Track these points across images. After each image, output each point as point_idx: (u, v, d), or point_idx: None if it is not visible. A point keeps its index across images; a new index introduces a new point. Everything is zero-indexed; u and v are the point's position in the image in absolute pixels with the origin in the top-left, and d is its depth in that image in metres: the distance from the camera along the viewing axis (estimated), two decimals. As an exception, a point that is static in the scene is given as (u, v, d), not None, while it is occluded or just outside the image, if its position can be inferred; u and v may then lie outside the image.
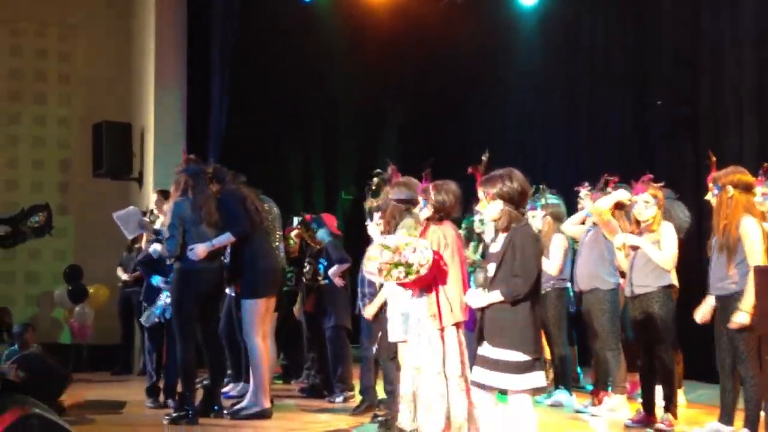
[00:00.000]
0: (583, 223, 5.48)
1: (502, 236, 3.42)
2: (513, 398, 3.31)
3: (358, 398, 5.55)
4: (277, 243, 5.63)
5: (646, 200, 4.67)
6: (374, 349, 4.68)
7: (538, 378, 3.25)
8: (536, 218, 5.71)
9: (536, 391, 3.28)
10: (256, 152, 8.97)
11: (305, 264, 6.38)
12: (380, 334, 4.50)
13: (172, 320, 5.13)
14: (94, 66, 9.36)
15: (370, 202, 5.05)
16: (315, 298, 6.13)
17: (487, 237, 5.48)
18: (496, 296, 3.29)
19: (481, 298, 3.36)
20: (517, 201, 3.38)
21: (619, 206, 5.07)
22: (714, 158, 4.37)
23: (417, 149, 8.74)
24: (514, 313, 3.25)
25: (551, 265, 5.52)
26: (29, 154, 9.32)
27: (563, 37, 8.70)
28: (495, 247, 3.44)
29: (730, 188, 4.19)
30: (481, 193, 3.46)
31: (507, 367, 3.22)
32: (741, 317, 4.05)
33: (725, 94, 6.81)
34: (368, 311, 4.83)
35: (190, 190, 4.98)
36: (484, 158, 3.65)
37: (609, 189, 5.23)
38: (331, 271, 5.90)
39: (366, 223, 4.93)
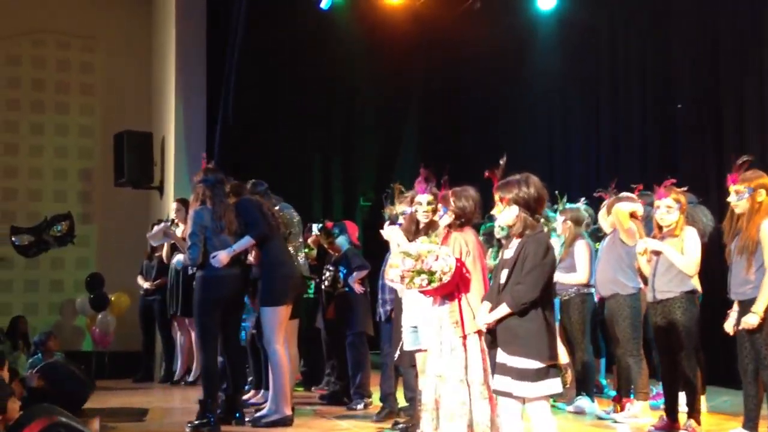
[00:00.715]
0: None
1: (515, 242, 3.41)
2: (530, 405, 3.29)
3: (377, 405, 5.55)
4: (302, 250, 5.68)
5: (668, 205, 4.62)
6: (396, 355, 4.67)
7: (554, 384, 3.24)
8: (557, 224, 5.70)
9: (554, 397, 3.27)
10: (275, 158, 9.01)
11: (324, 271, 6.40)
12: (401, 341, 4.50)
13: (194, 327, 5.17)
14: (115, 76, 9.49)
15: (390, 209, 5.06)
16: (335, 306, 6.14)
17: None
18: (503, 310, 3.28)
19: (490, 316, 3.34)
20: (533, 207, 3.36)
21: (632, 215, 5.06)
22: (738, 161, 4.32)
23: (436, 154, 8.73)
24: (526, 320, 3.24)
25: (580, 275, 5.48)
26: (52, 164, 9.46)
27: (582, 40, 8.65)
28: (508, 253, 3.42)
29: (762, 192, 4.16)
30: (497, 197, 3.45)
31: (522, 374, 3.21)
32: (752, 319, 4.01)
33: (747, 96, 6.75)
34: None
35: (208, 200, 5.03)
36: (501, 162, 3.64)
37: (634, 195, 5.21)
38: (351, 278, 5.91)
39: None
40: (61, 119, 9.52)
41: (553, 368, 3.24)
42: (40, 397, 4.79)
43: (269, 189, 5.65)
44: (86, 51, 9.59)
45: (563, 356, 5.93)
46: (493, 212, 3.57)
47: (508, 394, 3.32)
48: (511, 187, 3.39)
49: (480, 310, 3.51)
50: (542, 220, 5.74)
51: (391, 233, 4.68)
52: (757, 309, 3.99)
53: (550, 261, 3.29)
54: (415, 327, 4.14)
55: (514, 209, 3.37)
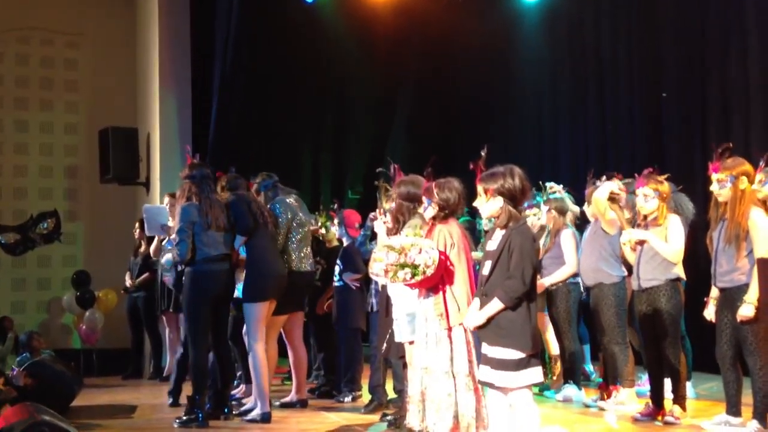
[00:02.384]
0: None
1: (499, 234, 3.41)
2: (512, 395, 3.32)
3: (366, 398, 5.56)
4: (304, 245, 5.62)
5: (645, 194, 4.66)
6: (384, 348, 4.67)
7: (535, 374, 3.26)
8: (540, 214, 5.72)
9: (538, 386, 3.30)
10: (264, 152, 8.99)
11: (315, 265, 6.38)
12: (390, 333, 4.50)
13: (184, 323, 5.16)
14: (100, 73, 9.42)
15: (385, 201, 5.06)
16: (327, 300, 6.13)
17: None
18: (495, 305, 3.28)
19: (481, 314, 3.34)
20: (517, 198, 3.38)
21: (612, 199, 5.05)
22: (720, 150, 4.34)
23: (425, 147, 8.73)
24: (510, 312, 3.25)
25: (569, 266, 5.51)
26: (37, 162, 9.38)
27: (568, 31, 8.67)
28: (492, 245, 3.43)
29: (744, 179, 4.18)
30: (480, 188, 3.46)
31: (504, 364, 3.24)
32: (746, 309, 4.04)
33: (732, 85, 6.78)
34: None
35: (194, 196, 5.02)
36: (483, 153, 3.65)
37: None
38: (346, 275, 5.82)
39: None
40: (46, 116, 9.45)
41: (534, 358, 3.26)
42: (28, 396, 4.78)
43: (278, 182, 5.65)
44: (70, 47, 9.52)
45: (554, 347, 5.97)
46: (475, 203, 3.57)
47: (491, 384, 3.34)
48: (496, 178, 3.39)
49: (468, 311, 3.52)
50: (536, 210, 5.81)
51: (377, 227, 4.70)
52: (751, 298, 4.00)
53: (536, 252, 3.31)
54: (412, 315, 4.10)
55: (499, 200, 3.38)
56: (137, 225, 7.81)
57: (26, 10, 9.20)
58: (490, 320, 3.33)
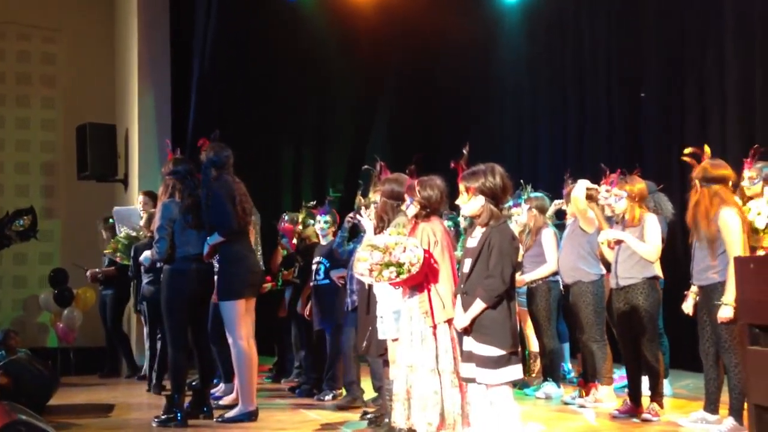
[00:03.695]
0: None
1: (479, 231, 3.42)
2: (492, 391, 3.33)
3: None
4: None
5: (616, 194, 4.74)
6: (364, 345, 4.66)
7: (515, 371, 3.28)
8: (521, 213, 5.76)
9: (517, 383, 3.32)
10: (245, 149, 8.91)
11: (294, 261, 6.36)
12: (370, 330, 4.50)
13: (163, 322, 5.11)
14: (77, 68, 9.32)
15: (359, 199, 5.06)
16: (308, 298, 6.09)
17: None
18: (478, 306, 3.30)
19: (466, 316, 3.35)
20: (498, 197, 3.39)
21: (590, 197, 5.09)
22: (694, 154, 4.37)
23: (407, 145, 8.73)
24: (491, 310, 3.27)
25: (550, 264, 5.55)
26: (13, 158, 9.26)
27: (548, 30, 8.72)
28: (471, 242, 3.44)
29: (714, 183, 4.21)
30: (461, 186, 3.46)
31: (484, 361, 3.25)
32: (725, 311, 4.07)
33: (709, 85, 6.86)
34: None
35: (177, 193, 4.95)
36: (464, 151, 3.66)
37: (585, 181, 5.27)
38: (335, 272, 5.70)
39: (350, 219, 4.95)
40: (23, 112, 9.32)
41: (514, 355, 3.28)
42: (4, 395, 4.71)
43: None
44: (48, 42, 9.40)
45: (534, 344, 6.01)
46: (457, 201, 3.58)
47: (472, 380, 3.36)
48: (477, 176, 3.41)
49: (455, 313, 3.53)
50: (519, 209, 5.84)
51: (364, 223, 4.69)
52: (728, 300, 4.04)
53: (515, 251, 3.33)
54: (398, 312, 4.09)
55: (480, 199, 3.39)
56: (101, 222, 7.77)
57: (2, 4, 9.07)
58: (474, 320, 3.35)
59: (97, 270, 7.83)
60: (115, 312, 7.78)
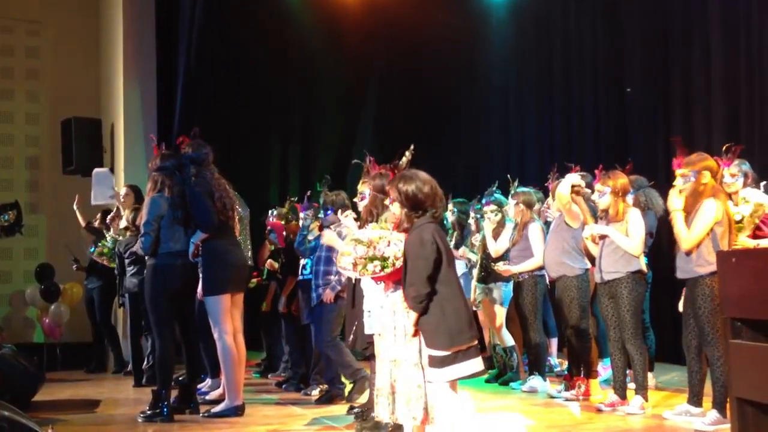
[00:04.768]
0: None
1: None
2: (432, 387, 3.36)
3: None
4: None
5: (599, 189, 4.78)
6: (350, 339, 4.66)
7: (461, 369, 3.26)
8: (498, 211, 5.80)
9: (466, 379, 3.31)
10: (232, 144, 8.90)
11: (278, 258, 6.35)
12: (357, 324, 4.50)
13: (149, 317, 5.09)
14: (62, 61, 9.25)
15: (326, 195, 5.08)
16: (291, 295, 6.09)
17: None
18: (413, 315, 3.34)
19: (410, 326, 3.37)
20: (418, 204, 3.38)
21: (576, 192, 5.12)
22: (679, 144, 4.41)
23: (393, 141, 8.69)
24: (425, 315, 3.29)
25: (537, 258, 5.56)
26: (-3, 152, 9.20)
27: (535, 26, 8.74)
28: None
29: (707, 174, 4.24)
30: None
31: (432, 361, 3.31)
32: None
33: (694, 80, 6.90)
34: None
35: (166, 189, 4.93)
36: (407, 154, 3.67)
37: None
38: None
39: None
40: (6, 105, 9.25)
41: (462, 353, 3.26)
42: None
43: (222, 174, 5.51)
44: (31, 35, 9.32)
45: (508, 340, 6.04)
46: (386, 202, 3.59)
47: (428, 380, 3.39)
48: (393, 185, 3.44)
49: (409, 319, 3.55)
50: (494, 207, 5.88)
51: (346, 222, 4.70)
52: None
53: (429, 250, 3.30)
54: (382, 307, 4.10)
55: (397, 206, 3.42)
56: (99, 216, 7.72)
57: (-15, -3, 9.00)
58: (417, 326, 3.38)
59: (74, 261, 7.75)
60: (104, 306, 7.73)
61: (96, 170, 6.74)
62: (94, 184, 6.63)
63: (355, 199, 4.72)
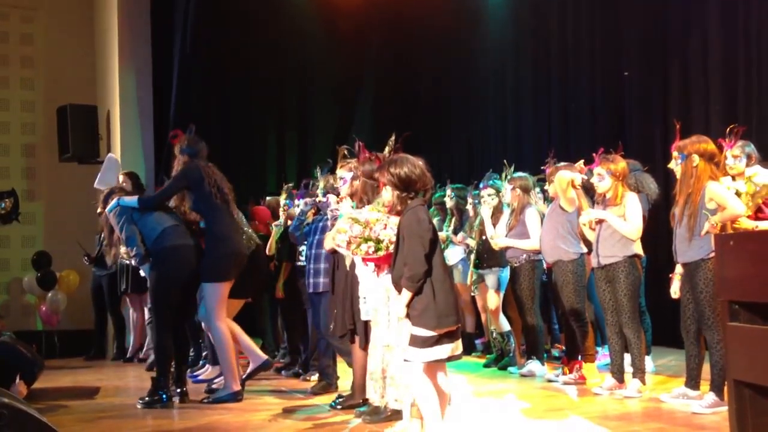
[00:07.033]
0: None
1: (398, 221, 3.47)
2: (407, 365, 3.35)
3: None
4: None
5: (599, 173, 4.77)
6: (331, 326, 4.64)
7: (438, 352, 3.25)
8: (495, 195, 5.80)
9: (449, 361, 3.31)
10: (229, 133, 8.88)
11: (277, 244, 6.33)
12: (336, 311, 4.49)
13: (150, 303, 5.08)
14: (57, 48, 9.20)
15: (326, 180, 5.07)
16: (286, 281, 6.09)
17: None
18: (405, 295, 3.30)
19: (400, 306, 3.34)
20: (409, 186, 3.41)
21: (573, 186, 5.15)
22: (678, 126, 4.40)
23: (389, 128, 8.66)
24: (417, 295, 3.29)
25: (532, 240, 5.56)
26: (-7, 140, 9.16)
27: (532, 11, 8.69)
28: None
29: (695, 157, 4.22)
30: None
31: (413, 340, 3.28)
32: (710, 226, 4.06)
33: (692, 64, 6.87)
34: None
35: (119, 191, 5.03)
36: (389, 143, 3.66)
37: (575, 165, 5.31)
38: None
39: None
40: (1, 93, 9.21)
41: (446, 337, 3.26)
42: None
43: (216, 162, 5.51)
44: (26, 22, 9.25)
45: (505, 325, 6.05)
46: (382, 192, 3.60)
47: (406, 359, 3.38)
48: (383, 169, 3.45)
49: (394, 304, 3.54)
50: (491, 191, 5.89)
51: (344, 207, 4.69)
52: (714, 219, 4.04)
53: (426, 229, 3.30)
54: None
55: (389, 190, 3.42)
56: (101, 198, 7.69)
57: (-22, -17, 8.94)
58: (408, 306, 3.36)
59: (89, 256, 7.72)
60: (114, 294, 7.71)
61: (110, 155, 6.78)
62: (103, 168, 6.64)
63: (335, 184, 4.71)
